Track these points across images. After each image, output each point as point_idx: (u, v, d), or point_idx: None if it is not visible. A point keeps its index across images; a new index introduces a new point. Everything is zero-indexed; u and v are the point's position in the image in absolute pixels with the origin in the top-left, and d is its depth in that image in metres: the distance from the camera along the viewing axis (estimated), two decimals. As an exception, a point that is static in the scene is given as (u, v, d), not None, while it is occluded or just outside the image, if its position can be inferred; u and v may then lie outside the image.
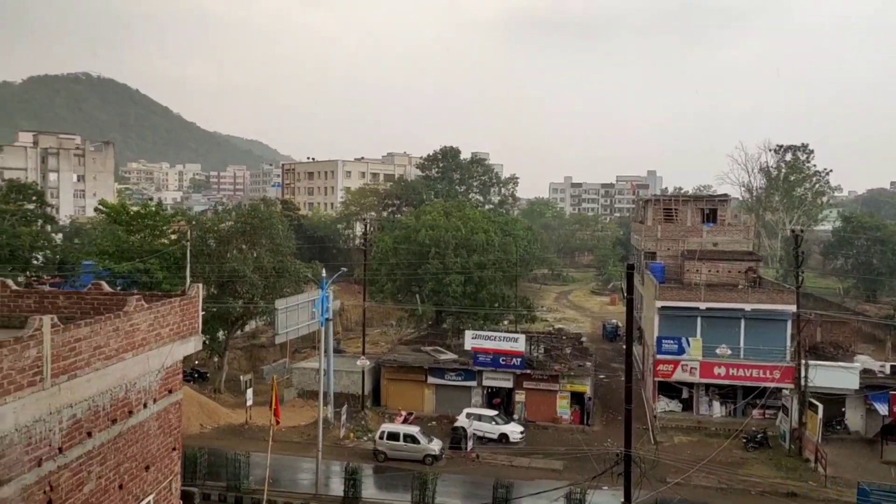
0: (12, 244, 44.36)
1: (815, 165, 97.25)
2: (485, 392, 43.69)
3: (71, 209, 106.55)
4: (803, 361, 36.74)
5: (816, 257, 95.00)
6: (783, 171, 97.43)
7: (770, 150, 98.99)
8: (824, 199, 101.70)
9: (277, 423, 23.23)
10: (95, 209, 56.31)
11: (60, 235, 64.47)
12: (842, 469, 33.61)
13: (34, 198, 54.98)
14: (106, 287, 15.38)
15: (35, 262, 47.56)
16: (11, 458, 9.69)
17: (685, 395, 42.39)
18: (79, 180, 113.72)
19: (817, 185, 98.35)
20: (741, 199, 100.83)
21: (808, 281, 46.15)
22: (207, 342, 43.72)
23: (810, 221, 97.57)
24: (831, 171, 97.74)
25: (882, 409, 36.64)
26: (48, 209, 57.04)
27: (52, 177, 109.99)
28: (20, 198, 53.13)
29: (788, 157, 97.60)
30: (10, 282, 15.33)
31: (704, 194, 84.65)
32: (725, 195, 61.06)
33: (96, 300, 14.72)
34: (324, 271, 41.07)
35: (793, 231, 46.83)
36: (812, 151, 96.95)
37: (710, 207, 55.21)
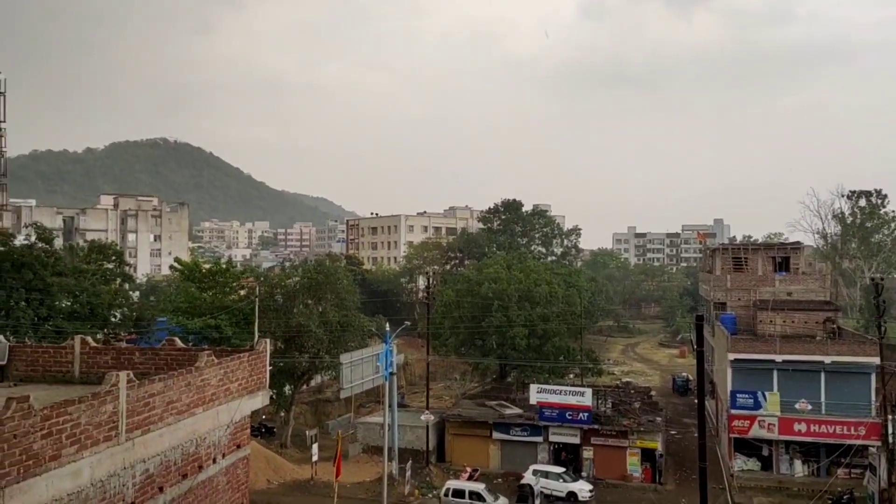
0: (93, 302, 46.22)
1: (893, 211, 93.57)
2: (551, 448, 42.69)
3: (147, 268, 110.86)
4: (890, 417, 34.67)
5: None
6: (858, 217, 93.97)
7: (843, 196, 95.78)
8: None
9: (337, 477, 23.08)
10: (170, 267, 58.46)
11: (137, 293, 66.94)
12: (940, 534, 31.27)
13: (114, 257, 57.34)
14: (179, 343, 15.85)
15: (113, 319, 49.38)
16: (87, 512, 9.92)
17: (765, 452, 40.43)
18: (155, 240, 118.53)
19: (895, 231, 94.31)
20: (815, 246, 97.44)
21: (891, 331, 43.83)
22: (274, 397, 44.31)
23: (891, 269, 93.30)
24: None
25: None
26: (126, 268, 59.42)
27: (131, 237, 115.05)
28: (100, 257, 55.49)
29: (863, 202, 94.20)
30: (89, 339, 15.95)
31: (775, 242, 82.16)
32: (798, 243, 59.15)
33: (169, 356, 15.16)
34: (387, 325, 41.32)
35: (872, 279, 44.83)
36: (886, 196, 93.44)
37: (781, 256, 53.48)
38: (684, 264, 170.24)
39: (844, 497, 35.47)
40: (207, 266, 53.50)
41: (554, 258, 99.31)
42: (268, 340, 16.09)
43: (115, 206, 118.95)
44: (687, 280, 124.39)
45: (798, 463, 39.96)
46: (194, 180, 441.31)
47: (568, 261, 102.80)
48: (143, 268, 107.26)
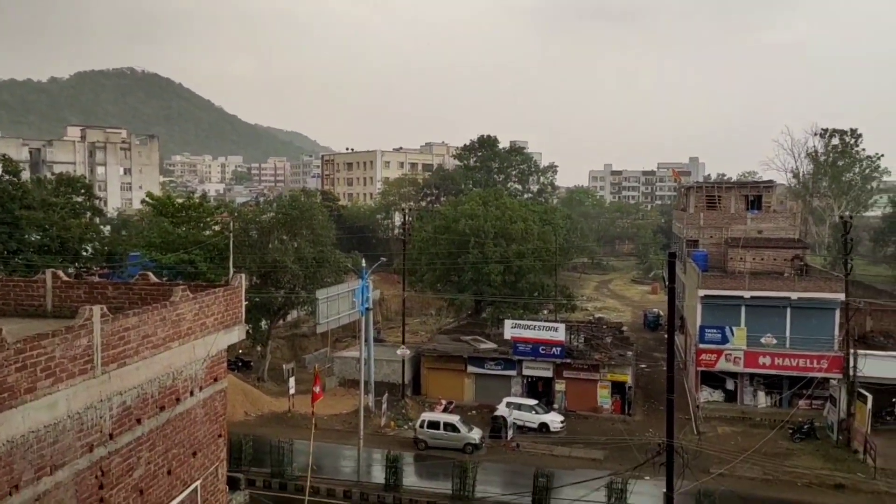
0: (62, 236, 45.60)
1: (864, 150, 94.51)
2: (524, 381, 43.63)
3: (118, 202, 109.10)
4: (852, 351, 35.86)
5: (866, 244, 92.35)
6: (831, 155, 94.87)
7: (816, 135, 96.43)
8: (874, 184, 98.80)
9: (314, 401, 23.36)
10: (143, 201, 57.59)
11: (108, 227, 66.08)
12: (892, 460, 32.76)
13: (83, 191, 56.37)
14: (152, 278, 15.72)
15: (84, 253, 48.84)
16: (64, 443, 10.01)
17: (730, 385, 41.71)
18: (125, 173, 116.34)
19: (867, 170, 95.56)
20: (787, 185, 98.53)
21: (857, 268, 44.81)
22: (250, 331, 44.48)
23: (860, 207, 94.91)
24: (882, 155, 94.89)
25: (935, 399, 35.60)
26: (96, 202, 58.44)
27: (100, 170, 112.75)
28: (69, 191, 54.53)
29: (836, 141, 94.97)
30: (60, 273, 15.77)
31: (749, 180, 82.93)
32: (770, 181, 59.70)
33: (143, 291, 15.06)
34: (363, 261, 41.38)
35: (841, 217, 45.60)
36: (860, 135, 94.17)
37: (754, 194, 54.06)
38: (659, 202, 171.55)
39: (805, 427, 36.90)
40: (180, 201, 52.74)
41: (530, 195, 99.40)
42: (243, 276, 16.03)
43: (83, 137, 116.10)
44: (661, 218, 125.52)
45: (761, 395, 41.35)
46: (164, 112, 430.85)
47: (544, 198, 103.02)
48: (113, 201, 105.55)
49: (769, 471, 31.67)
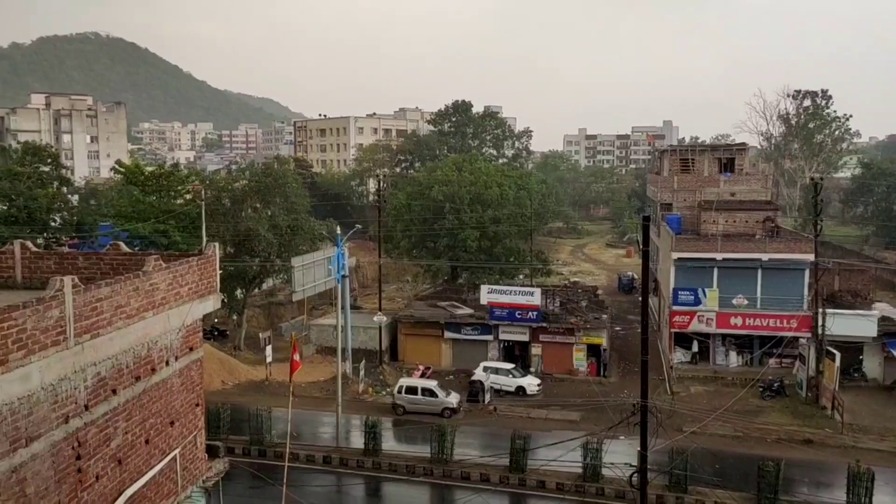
0: (30, 206, 44.73)
1: (834, 111, 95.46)
2: (501, 346, 44.02)
3: (86, 171, 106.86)
4: (820, 310, 36.62)
5: (836, 205, 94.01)
6: (802, 118, 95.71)
7: (789, 97, 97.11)
8: (844, 145, 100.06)
9: (293, 371, 23.32)
10: (112, 169, 56.50)
11: (76, 197, 64.88)
12: (858, 416, 33.76)
13: (49, 160, 55.16)
14: (124, 248, 15.50)
15: (53, 223, 48.00)
16: (39, 415, 9.91)
17: (695, 348, 42.41)
18: (92, 141, 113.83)
19: (837, 132, 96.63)
20: (760, 147, 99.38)
21: (826, 229, 45.64)
22: (226, 301, 44.21)
23: (830, 169, 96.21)
24: (851, 116, 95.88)
25: (900, 356, 36.59)
26: (63, 171, 57.24)
27: (66, 138, 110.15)
28: (35, 160, 53.34)
29: (807, 103, 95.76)
30: (29, 244, 15.47)
31: (722, 143, 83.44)
32: (743, 144, 60.17)
33: (115, 261, 14.85)
34: (338, 228, 41.16)
35: (812, 179, 46.18)
36: (831, 97, 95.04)
37: (727, 157, 54.49)
38: (633, 166, 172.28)
39: (775, 385, 37.79)
40: (150, 169, 51.85)
41: (505, 160, 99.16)
42: (216, 245, 15.86)
43: (47, 105, 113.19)
44: (635, 182, 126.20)
45: (733, 354, 42.19)
46: (130, 79, 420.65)
47: (519, 163, 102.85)
48: (80, 171, 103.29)
49: (740, 428, 32.46)
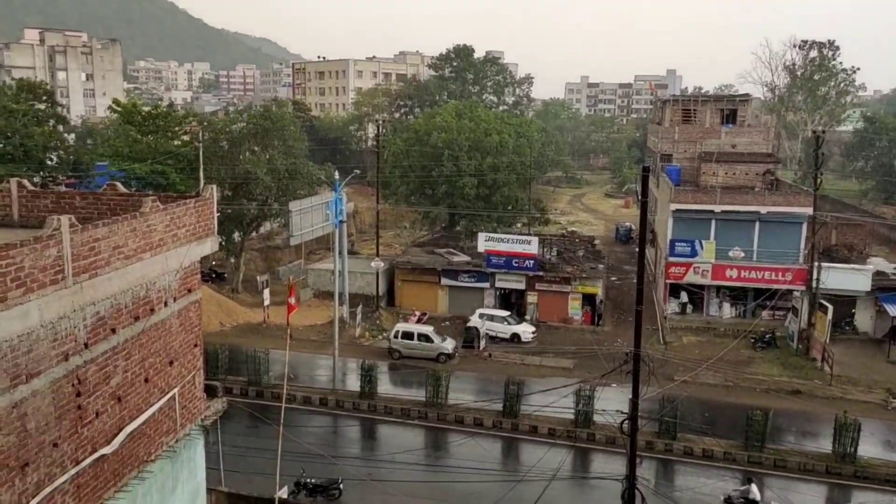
0: (26, 144, 44.35)
1: (840, 63, 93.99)
2: (497, 293, 44.30)
3: (81, 109, 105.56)
4: (816, 264, 36.80)
5: (837, 159, 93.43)
6: (808, 69, 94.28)
7: (795, 48, 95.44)
8: (848, 98, 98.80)
9: (289, 314, 23.54)
10: (109, 108, 55.78)
11: (73, 136, 64.26)
12: (848, 368, 34.28)
13: (44, 97, 54.46)
14: (121, 188, 15.41)
15: (49, 162, 47.67)
16: (39, 352, 10.02)
17: (684, 298, 42.69)
18: (87, 79, 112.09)
19: (842, 84, 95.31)
20: (763, 99, 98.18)
21: (826, 183, 45.49)
22: (223, 243, 44.31)
23: (833, 122, 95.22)
24: (858, 69, 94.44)
25: (892, 310, 36.96)
26: (59, 109, 56.55)
27: (61, 76, 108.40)
28: (30, 97, 52.65)
29: (814, 54, 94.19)
30: (26, 182, 15.38)
31: (725, 94, 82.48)
32: (747, 95, 59.49)
33: (112, 201, 14.77)
34: (336, 173, 40.92)
35: (814, 132, 45.84)
36: (838, 48, 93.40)
37: (730, 108, 53.94)
38: (635, 115, 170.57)
39: (766, 336, 38.24)
40: (147, 109, 51.20)
41: (505, 108, 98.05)
42: (214, 187, 15.76)
43: (42, 41, 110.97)
44: (636, 132, 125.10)
45: (727, 306, 42.56)
46: (124, 15, 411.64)
47: (519, 110, 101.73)
48: (76, 109, 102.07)
49: (730, 378, 32.98)
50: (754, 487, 22.72)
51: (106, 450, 11.77)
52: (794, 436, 28.85)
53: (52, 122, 52.88)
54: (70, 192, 17.86)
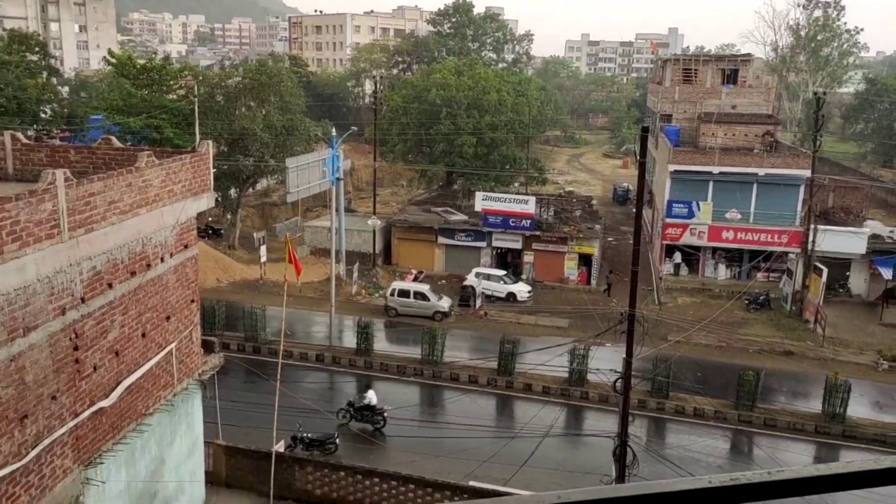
0: (19, 97, 43.78)
1: (845, 23, 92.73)
2: (494, 253, 44.38)
3: (74, 61, 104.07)
4: (812, 226, 36.86)
5: (837, 121, 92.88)
6: (812, 29, 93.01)
7: (799, 6, 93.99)
8: (851, 59, 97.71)
9: (298, 275, 23.79)
10: (104, 59, 54.95)
11: (66, 89, 63.43)
12: (840, 330, 34.59)
13: (37, 49, 53.59)
14: (116, 142, 15.30)
15: (43, 115, 47.15)
16: (36, 306, 10.05)
17: (677, 259, 42.79)
18: (80, 31, 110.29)
19: (845, 45, 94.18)
20: (765, 59, 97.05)
21: (826, 145, 45.30)
22: (220, 199, 44.12)
23: (834, 83, 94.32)
24: (862, 29, 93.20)
25: (886, 273, 37.12)
26: (52, 61, 55.72)
27: (54, 27, 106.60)
28: (23, 49, 51.80)
29: (818, 13, 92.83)
30: (20, 135, 15.26)
31: (726, 54, 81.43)
32: (749, 55, 58.78)
33: (107, 155, 14.70)
34: (334, 130, 40.62)
35: (815, 93, 45.44)
36: (843, 7, 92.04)
37: (731, 68, 53.37)
38: (635, 75, 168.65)
39: (761, 298, 38.47)
40: (142, 62, 50.46)
41: (505, 65, 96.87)
42: (210, 142, 15.67)
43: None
44: (636, 91, 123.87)
45: (722, 267, 42.72)
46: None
47: (519, 68, 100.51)
48: (69, 61, 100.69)
49: (723, 338, 33.28)
50: (371, 393, 25.11)
51: (104, 403, 11.91)
52: (785, 396, 29.26)
53: (44, 74, 52.17)
54: (64, 145, 17.73)
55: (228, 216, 49.89)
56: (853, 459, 1.38)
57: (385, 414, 24.66)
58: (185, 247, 14.49)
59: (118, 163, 14.19)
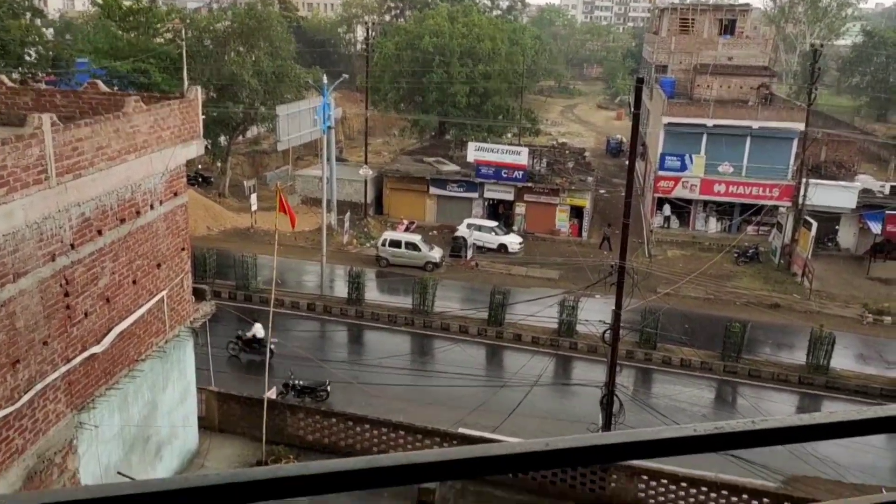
0: (3, 38, 42.76)
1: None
2: (486, 204, 44.30)
3: (59, 2, 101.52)
4: (804, 180, 36.90)
5: (833, 73, 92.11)
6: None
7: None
8: (849, 10, 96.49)
9: (293, 225, 23.78)
10: (91, 0, 53.57)
11: (51, 31, 61.98)
12: (827, 284, 34.97)
13: (20, -11, 52.07)
14: (102, 87, 15.04)
15: (28, 58, 46.14)
16: (25, 252, 10.01)
17: (667, 212, 42.88)
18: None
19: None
20: (763, 9, 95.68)
21: (821, 98, 45.06)
22: (209, 147, 43.63)
23: (832, 35, 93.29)
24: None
25: (875, 227, 37.36)
26: (36, 1, 54.25)
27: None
28: (5, -12, 50.33)
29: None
30: (4, 78, 14.97)
31: (724, 4, 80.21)
32: (747, 4, 57.89)
33: (94, 100, 14.45)
34: (325, 77, 39.97)
35: (812, 45, 44.98)
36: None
37: (729, 18, 52.65)
38: (632, 24, 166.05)
39: (750, 251, 38.74)
40: (128, 3, 49.23)
41: (499, 12, 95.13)
42: (198, 88, 15.41)
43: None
44: (632, 41, 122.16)
45: (713, 220, 42.89)
46: None
47: (513, 15, 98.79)
48: (53, 2, 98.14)
49: (711, 291, 33.61)
50: (258, 326, 25.52)
51: (96, 349, 11.97)
52: (770, 347, 29.71)
53: (28, 14, 50.82)
54: (50, 89, 17.42)
55: (218, 164, 49.41)
56: (835, 410, 1.41)
57: (272, 347, 23.20)
58: (175, 194, 14.39)
59: (105, 108, 13.97)
